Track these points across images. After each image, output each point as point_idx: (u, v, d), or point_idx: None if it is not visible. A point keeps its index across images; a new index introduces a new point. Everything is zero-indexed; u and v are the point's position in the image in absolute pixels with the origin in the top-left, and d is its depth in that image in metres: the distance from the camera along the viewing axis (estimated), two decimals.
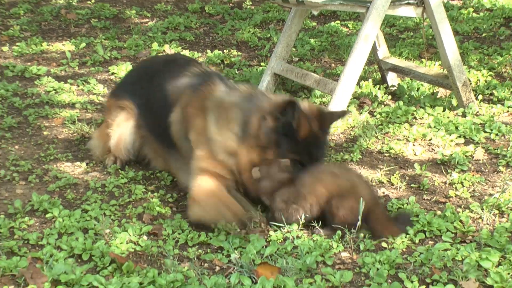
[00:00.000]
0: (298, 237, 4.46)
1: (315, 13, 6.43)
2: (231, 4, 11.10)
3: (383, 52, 7.19)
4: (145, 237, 4.45)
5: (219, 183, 4.73)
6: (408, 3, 6.30)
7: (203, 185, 4.69)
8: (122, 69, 7.79)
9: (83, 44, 8.85)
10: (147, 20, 10.27)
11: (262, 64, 8.03)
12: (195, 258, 4.23)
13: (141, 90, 5.51)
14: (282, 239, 4.44)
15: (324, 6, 6.06)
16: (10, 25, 9.81)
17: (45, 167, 5.51)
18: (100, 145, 5.62)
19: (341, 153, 5.70)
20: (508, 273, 3.96)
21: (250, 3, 11.06)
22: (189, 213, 4.67)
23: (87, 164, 5.58)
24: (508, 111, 6.51)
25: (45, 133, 6.19)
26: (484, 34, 9.10)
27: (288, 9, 8.70)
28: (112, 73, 7.80)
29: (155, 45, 8.69)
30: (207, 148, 4.77)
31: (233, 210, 4.54)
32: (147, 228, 4.54)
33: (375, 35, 6.23)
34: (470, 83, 6.64)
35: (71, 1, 11.13)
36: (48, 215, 4.71)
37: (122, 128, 5.49)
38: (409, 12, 6.38)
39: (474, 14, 9.93)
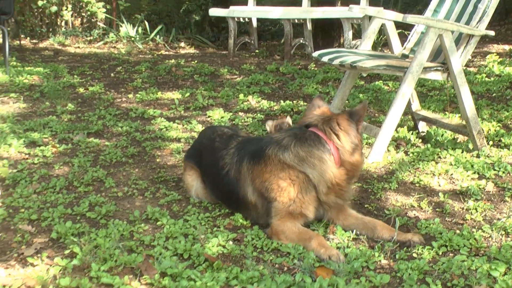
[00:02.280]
0: (348, 246, 4.39)
1: (364, 74, 6.38)
2: (299, 66, 11.12)
3: (416, 106, 7.10)
4: (230, 242, 4.42)
5: (297, 222, 4.52)
6: (437, 70, 6.23)
7: (284, 225, 4.47)
8: (216, 113, 7.82)
9: (188, 94, 8.93)
10: (236, 76, 10.33)
11: None
12: (269, 260, 4.19)
13: (200, 156, 5.21)
14: (336, 247, 4.37)
15: (372, 70, 6.01)
16: (134, 78, 9.99)
17: (157, 186, 5.54)
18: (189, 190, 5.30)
19: (382, 183, 5.62)
20: None
21: (314, 65, 11.06)
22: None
23: None
24: None
25: (157, 160, 6.23)
26: (494, 94, 8.95)
27: (343, 71, 8.66)
28: (209, 116, 7.83)
29: (241, 96, 8.72)
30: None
31: (318, 240, 4.31)
32: (233, 235, 4.51)
33: (410, 93, 6.15)
34: (483, 132, 6.49)
35: (179, 61, 11.27)
36: (158, 223, 4.72)
37: (194, 184, 5.21)
38: (436, 76, 6.30)
39: (487, 79, 9.81)
